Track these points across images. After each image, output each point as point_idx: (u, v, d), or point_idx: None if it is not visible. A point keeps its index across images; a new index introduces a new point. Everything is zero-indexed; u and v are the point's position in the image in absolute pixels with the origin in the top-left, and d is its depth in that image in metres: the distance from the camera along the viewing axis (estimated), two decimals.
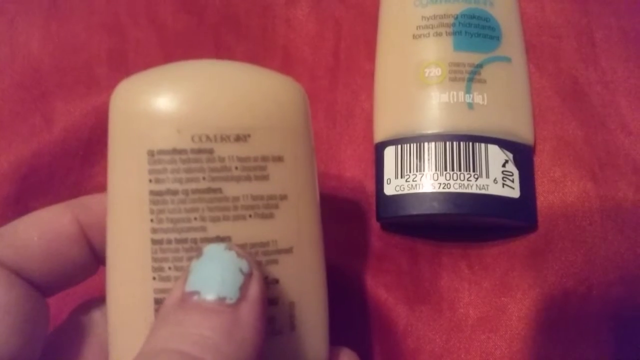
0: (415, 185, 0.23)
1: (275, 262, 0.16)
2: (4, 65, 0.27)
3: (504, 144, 0.23)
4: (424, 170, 0.23)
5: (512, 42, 0.24)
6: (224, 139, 0.15)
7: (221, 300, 0.13)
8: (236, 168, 0.15)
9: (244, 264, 0.14)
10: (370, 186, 0.24)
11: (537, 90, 0.25)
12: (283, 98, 0.16)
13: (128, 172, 0.15)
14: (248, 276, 0.14)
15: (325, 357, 0.17)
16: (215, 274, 0.14)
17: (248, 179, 0.15)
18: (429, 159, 0.23)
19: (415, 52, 0.24)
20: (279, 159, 0.16)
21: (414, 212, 0.22)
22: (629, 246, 0.23)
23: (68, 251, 0.17)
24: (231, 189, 0.15)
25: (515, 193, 0.22)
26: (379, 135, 0.24)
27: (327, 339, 0.17)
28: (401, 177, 0.23)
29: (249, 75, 0.16)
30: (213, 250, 0.14)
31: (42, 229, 0.17)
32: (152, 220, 0.15)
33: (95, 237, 0.17)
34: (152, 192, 0.15)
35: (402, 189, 0.23)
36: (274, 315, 0.16)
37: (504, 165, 0.23)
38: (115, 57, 0.27)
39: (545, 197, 0.24)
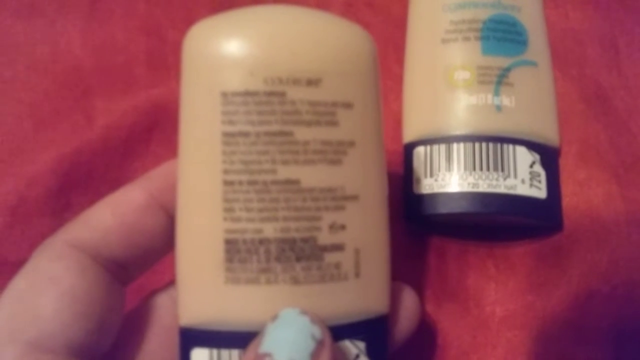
0: (444, 184, 0.23)
1: (342, 208, 0.16)
2: (46, 65, 0.27)
3: (531, 145, 0.23)
4: (452, 170, 0.23)
5: (538, 47, 0.25)
6: (296, 82, 0.15)
7: None
8: (307, 112, 0.15)
9: (316, 331, 0.14)
10: (399, 185, 0.25)
11: (562, 95, 0.26)
12: (354, 44, 0.16)
13: (201, 114, 0.16)
14: (320, 343, 0.14)
15: (387, 304, 0.17)
16: (288, 338, 0.14)
17: (318, 123, 0.15)
18: (457, 159, 0.23)
19: (444, 56, 0.25)
20: (348, 105, 0.16)
21: (443, 211, 0.23)
22: None
23: (143, 221, 0.17)
24: (302, 133, 0.15)
25: (542, 193, 0.23)
26: (409, 136, 0.25)
27: (389, 287, 0.18)
28: (430, 177, 0.24)
29: (320, 20, 0.17)
30: (288, 315, 0.15)
31: (115, 206, 0.17)
32: (224, 162, 0.15)
33: (169, 203, 0.17)
34: (224, 134, 0.15)
35: (431, 188, 0.23)
36: (340, 261, 0.16)
37: (531, 166, 0.23)
38: (154, 58, 0.28)
39: (571, 199, 0.25)
